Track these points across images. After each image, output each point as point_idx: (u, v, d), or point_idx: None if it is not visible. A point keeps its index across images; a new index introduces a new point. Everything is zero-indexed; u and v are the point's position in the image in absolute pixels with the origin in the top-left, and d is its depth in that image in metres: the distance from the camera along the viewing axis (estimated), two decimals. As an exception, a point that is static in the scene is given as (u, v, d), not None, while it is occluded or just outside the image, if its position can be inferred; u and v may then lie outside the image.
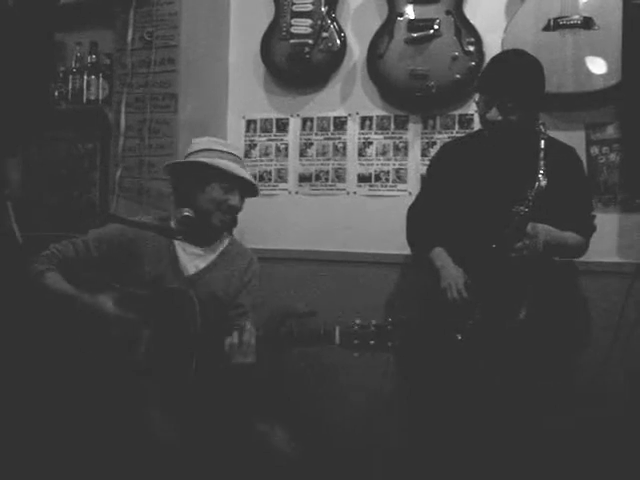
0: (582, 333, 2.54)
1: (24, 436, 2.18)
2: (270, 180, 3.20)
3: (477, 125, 2.83)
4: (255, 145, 3.24)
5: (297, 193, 3.17)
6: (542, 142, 2.18)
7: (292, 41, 2.98)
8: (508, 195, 2.20)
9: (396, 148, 3.01)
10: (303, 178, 3.16)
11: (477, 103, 2.36)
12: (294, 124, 3.18)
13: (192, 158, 2.25)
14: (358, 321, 1.94)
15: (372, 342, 1.91)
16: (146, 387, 2.03)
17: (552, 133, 2.73)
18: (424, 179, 2.80)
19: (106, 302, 2.07)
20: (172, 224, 2.25)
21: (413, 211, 2.61)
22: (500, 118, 2.23)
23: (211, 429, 2.07)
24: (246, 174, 2.26)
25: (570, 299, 2.45)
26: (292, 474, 2.02)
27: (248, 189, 2.30)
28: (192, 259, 2.25)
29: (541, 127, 2.21)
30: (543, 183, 2.15)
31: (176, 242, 2.24)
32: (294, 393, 2.92)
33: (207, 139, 2.32)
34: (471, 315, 2.21)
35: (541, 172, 2.16)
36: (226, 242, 2.35)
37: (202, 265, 2.26)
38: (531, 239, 2.16)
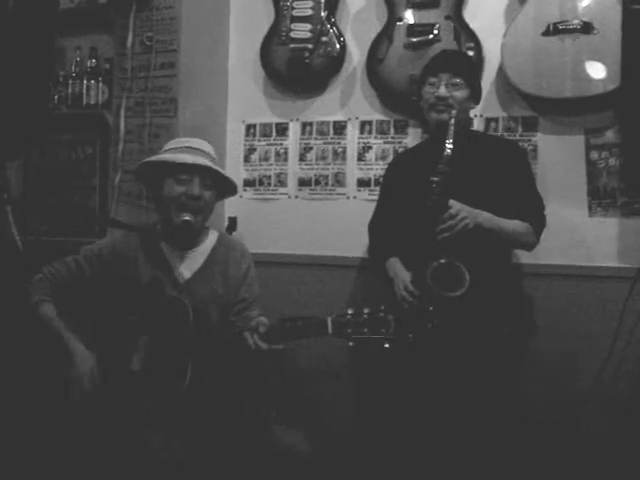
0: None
1: (22, 449, 2.18)
2: (270, 185, 3.20)
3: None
4: (255, 150, 3.24)
5: (297, 197, 3.17)
6: (452, 120, 2.26)
7: (292, 46, 2.97)
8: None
9: (396, 152, 3.00)
10: (303, 182, 3.16)
11: (422, 96, 2.42)
12: (294, 128, 3.18)
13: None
14: (350, 310, 1.93)
15: (366, 330, 1.89)
16: (142, 401, 2.02)
17: (552, 137, 2.78)
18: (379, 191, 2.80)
19: (84, 360, 2.04)
20: (158, 228, 2.23)
21: (371, 224, 2.67)
22: (448, 94, 2.33)
23: (221, 433, 2.05)
24: (202, 161, 2.10)
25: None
26: (307, 473, 1.99)
27: (221, 185, 2.20)
28: (185, 263, 2.19)
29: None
30: (448, 152, 2.21)
31: (165, 249, 2.20)
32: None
33: (172, 141, 2.27)
34: (428, 318, 2.20)
35: (448, 142, 2.22)
36: (215, 238, 2.27)
37: (196, 267, 2.20)
38: (455, 212, 2.17)
